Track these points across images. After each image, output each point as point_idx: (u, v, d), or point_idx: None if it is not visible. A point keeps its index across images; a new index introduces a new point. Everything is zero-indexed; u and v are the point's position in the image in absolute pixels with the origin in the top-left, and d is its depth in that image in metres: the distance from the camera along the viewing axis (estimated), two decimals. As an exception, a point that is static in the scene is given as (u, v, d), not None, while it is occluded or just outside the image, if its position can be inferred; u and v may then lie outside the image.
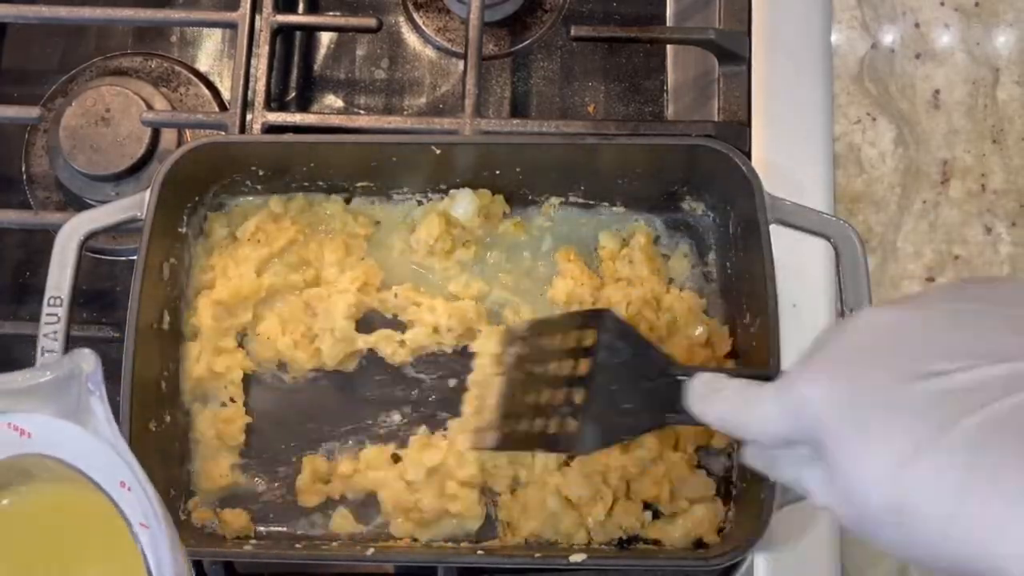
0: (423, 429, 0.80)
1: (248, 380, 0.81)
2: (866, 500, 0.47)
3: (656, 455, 0.76)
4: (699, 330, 0.79)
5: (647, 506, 0.77)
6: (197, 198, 0.81)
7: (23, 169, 0.92)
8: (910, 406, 0.46)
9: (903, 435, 0.45)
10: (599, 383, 0.64)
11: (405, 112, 0.93)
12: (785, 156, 0.81)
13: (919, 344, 0.47)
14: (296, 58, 0.95)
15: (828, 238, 0.72)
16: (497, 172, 0.80)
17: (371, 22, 0.88)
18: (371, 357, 0.82)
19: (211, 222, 0.82)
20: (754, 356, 0.75)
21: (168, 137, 0.90)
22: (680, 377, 0.60)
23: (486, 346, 0.78)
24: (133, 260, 0.75)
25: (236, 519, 0.77)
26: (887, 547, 0.49)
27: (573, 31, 0.87)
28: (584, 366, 0.66)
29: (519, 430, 0.70)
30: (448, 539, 0.77)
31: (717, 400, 0.57)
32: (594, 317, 0.68)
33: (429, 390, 0.81)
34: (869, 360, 0.48)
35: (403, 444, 0.79)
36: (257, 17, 0.87)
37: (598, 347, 0.65)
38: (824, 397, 0.49)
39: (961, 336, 0.47)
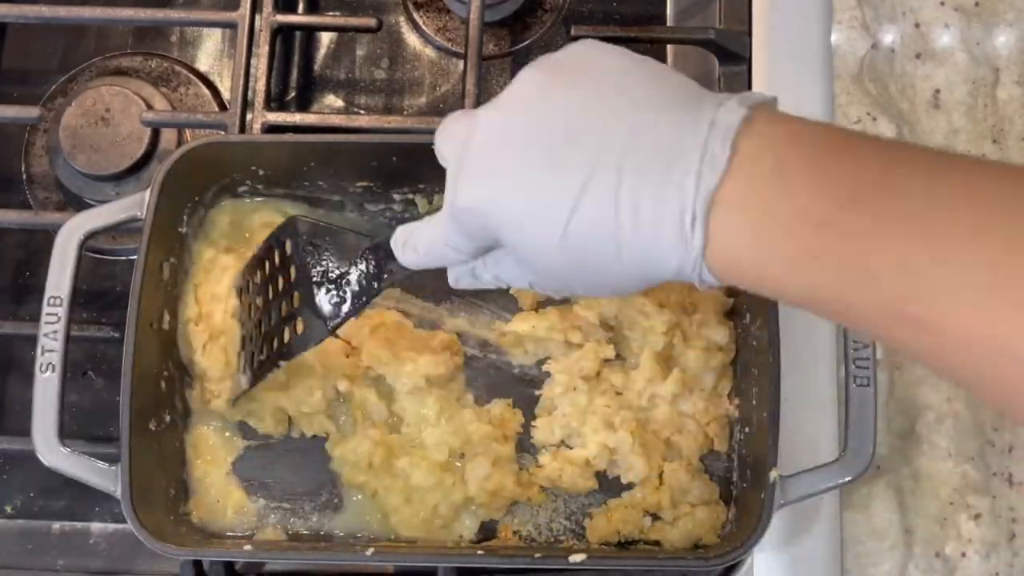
0: None
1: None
2: (552, 265, 0.54)
3: (655, 470, 0.77)
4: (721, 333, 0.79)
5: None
6: (197, 198, 0.81)
7: (23, 169, 0.92)
8: (549, 171, 0.51)
9: (554, 195, 0.51)
10: (309, 280, 0.69)
11: (405, 112, 0.93)
12: (785, 156, 0.81)
13: (536, 120, 0.53)
14: (296, 58, 0.95)
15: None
16: (497, 172, 0.80)
17: (371, 22, 0.88)
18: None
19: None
20: (754, 356, 0.75)
21: (168, 137, 0.90)
22: (377, 241, 0.66)
23: None
24: (133, 260, 0.76)
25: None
26: (585, 292, 0.65)
27: (573, 31, 0.87)
28: (292, 273, 0.71)
29: (261, 359, 0.74)
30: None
31: (412, 242, 0.62)
32: (283, 230, 0.73)
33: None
34: (503, 152, 0.54)
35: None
36: (257, 17, 0.87)
37: (299, 251, 0.70)
38: (481, 195, 0.54)
39: (561, 101, 0.53)
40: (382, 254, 0.65)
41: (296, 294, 0.71)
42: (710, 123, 0.49)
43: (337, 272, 0.69)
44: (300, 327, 0.70)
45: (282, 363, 0.73)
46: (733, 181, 0.48)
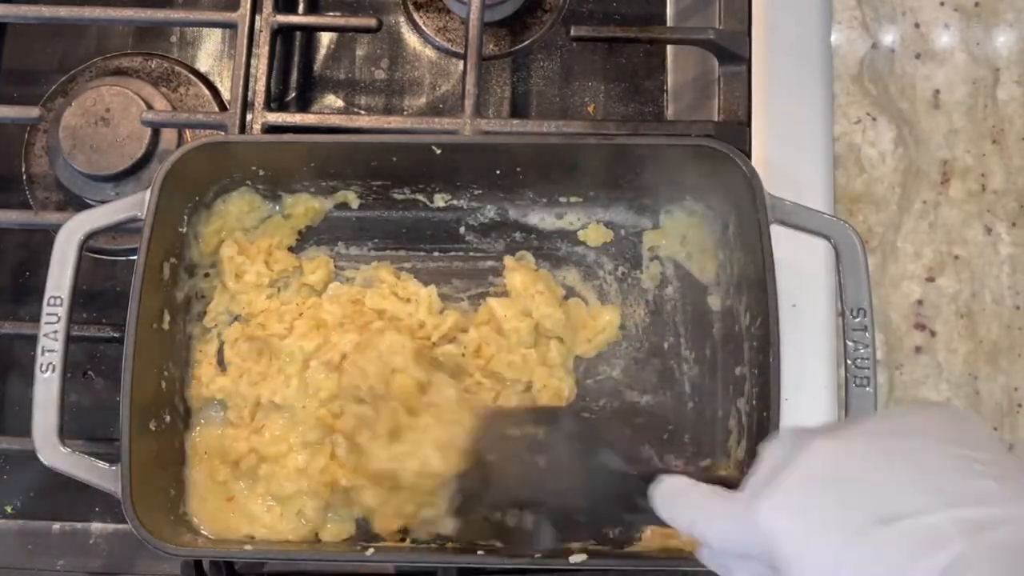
0: None
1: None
2: None
3: None
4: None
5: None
6: (197, 198, 0.81)
7: (23, 169, 0.92)
8: (867, 548, 0.49)
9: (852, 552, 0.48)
10: (553, 481, 0.66)
11: (405, 112, 0.93)
12: (785, 156, 0.81)
13: (874, 484, 0.50)
14: (296, 58, 0.95)
15: (828, 238, 0.72)
16: (497, 172, 0.80)
17: (371, 22, 0.88)
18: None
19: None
20: (755, 356, 0.75)
21: (168, 137, 0.90)
22: (636, 473, 0.62)
23: None
24: (133, 260, 0.76)
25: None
26: None
27: (573, 31, 0.87)
28: (542, 462, 0.67)
29: (476, 518, 0.72)
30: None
31: (683, 506, 0.59)
32: (551, 413, 0.70)
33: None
34: (825, 496, 0.51)
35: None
36: (257, 17, 0.87)
37: (552, 445, 0.67)
38: (783, 529, 0.52)
39: (910, 476, 0.50)
40: (637, 488, 0.61)
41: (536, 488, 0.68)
42: None
43: (582, 485, 0.65)
44: (529, 522, 0.68)
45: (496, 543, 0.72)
46: None
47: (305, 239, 0.85)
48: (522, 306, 0.81)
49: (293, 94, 0.94)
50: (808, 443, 0.54)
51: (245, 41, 0.85)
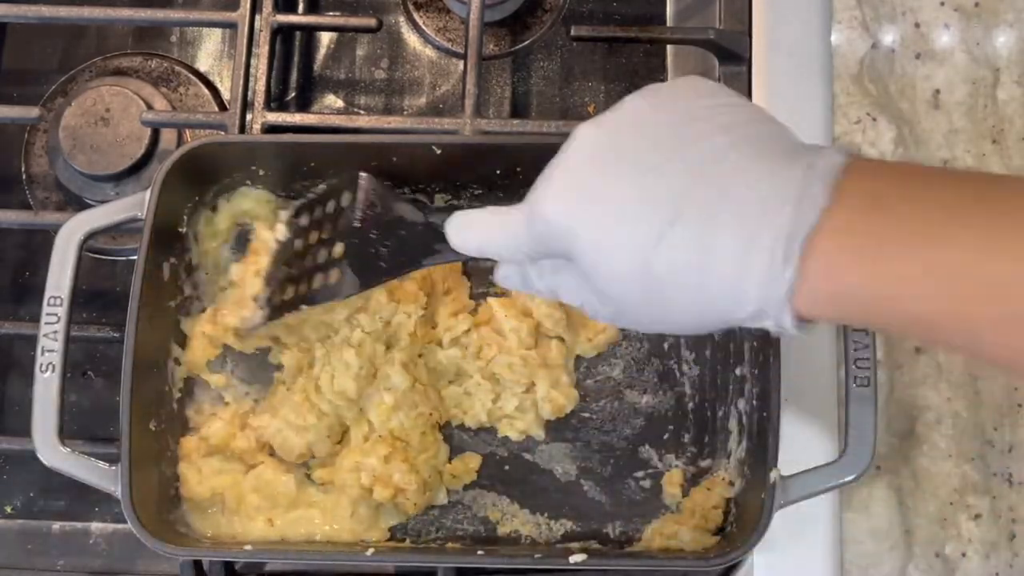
0: None
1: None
2: (623, 292, 0.54)
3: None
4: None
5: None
6: (197, 198, 0.81)
7: (23, 169, 0.92)
8: (640, 197, 0.51)
9: (643, 224, 0.51)
10: (356, 235, 0.69)
11: (405, 112, 0.93)
12: (785, 156, 0.81)
13: (633, 144, 0.53)
14: (296, 58, 0.95)
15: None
16: (497, 172, 0.80)
17: (371, 22, 0.88)
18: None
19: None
20: (755, 356, 0.75)
21: (168, 137, 0.90)
22: (435, 221, 0.65)
23: None
24: (133, 260, 0.76)
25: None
26: (644, 327, 0.61)
27: (573, 31, 0.87)
28: (341, 224, 0.71)
29: (285, 298, 0.74)
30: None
31: (474, 232, 0.62)
32: (346, 183, 0.73)
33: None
34: (596, 170, 0.54)
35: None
36: (257, 17, 0.87)
37: (352, 206, 0.70)
38: (567, 210, 0.54)
39: (663, 129, 0.53)
40: (434, 233, 0.65)
41: (339, 246, 0.71)
42: (807, 166, 0.50)
43: (386, 236, 0.69)
44: (334, 278, 0.70)
45: (304, 307, 0.73)
46: (833, 216, 0.48)
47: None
48: (522, 306, 0.81)
49: (293, 94, 0.94)
50: (571, 137, 0.56)
51: (245, 41, 0.85)
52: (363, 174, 0.72)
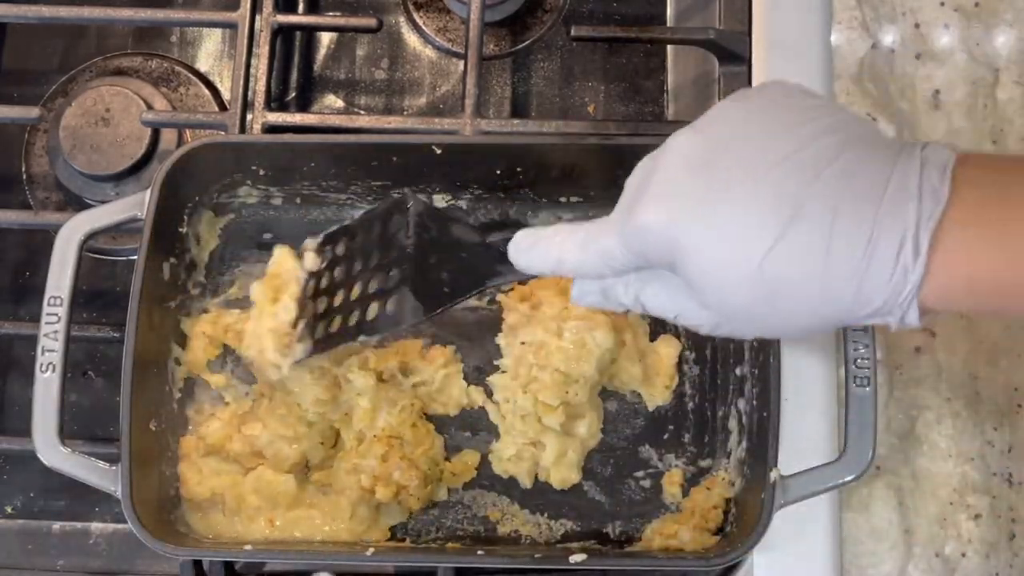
0: None
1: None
2: (731, 299, 0.52)
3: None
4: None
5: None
6: (197, 198, 0.81)
7: (23, 169, 0.92)
8: (754, 200, 0.50)
9: (758, 227, 0.50)
10: (414, 259, 0.66)
11: (405, 112, 0.93)
12: (785, 156, 0.81)
13: (738, 148, 0.52)
14: (296, 58, 0.95)
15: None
16: (497, 172, 0.80)
17: (371, 22, 0.88)
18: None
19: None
20: (755, 356, 0.75)
21: (168, 137, 0.90)
22: (495, 240, 0.63)
23: None
24: (133, 260, 0.76)
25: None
26: (749, 333, 0.57)
27: (573, 31, 0.87)
28: (393, 250, 0.68)
29: (332, 330, 0.72)
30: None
31: (545, 248, 0.59)
32: (394, 205, 0.70)
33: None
34: (698, 177, 0.52)
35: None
36: (257, 17, 0.87)
37: (405, 230, 0.68)
38: (670, 219, 0.52)
39: (767, 133, 0.52)
40: (494, 253, 0.63)
41: (394, 272, 0.68)
42: (921, 160, 0.50)
43: (445, 260, 0.66)
44: (392, 306, 0.67)
45: (362, 338, 0.70)
46: (956, 206, 0.48)
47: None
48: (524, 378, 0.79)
49: (293, 94, 0.94)
50: (665, 147, 0.54)
51: (245, 41, 0.85)
52: (413, 196, 0.70)
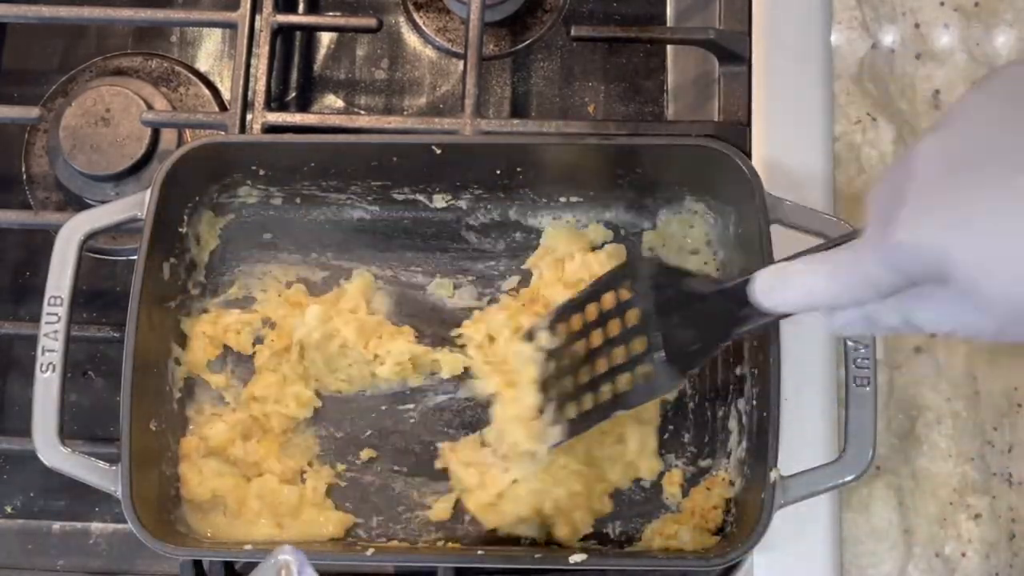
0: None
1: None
2: (1015, 303, 0.48)
3: None
4: None
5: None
6: (197, 198, 0.81)
7: (23, 169, 0.92)
8: (1019, 197, 0.46)
9: None
10: (655, 322, 0.65)
11: (405, 112, 0.93)
12: (785, 156, 0.81)
13: (995, 141, 0.48)
14: (296, 58, 0.95)
15: (828, 238, 0.72)
16: (497, 172, 0.80)
17: (371, 22, 0.88)
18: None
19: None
20: (755, 356, 0.75)
21: (168, 137, 0.90)
22: (729, 285, 0.61)
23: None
24: (133, 260, 0.76)
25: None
26: None
27: (573, 31, 0.87)
28: (633, 317, 0.67)
29: (588, 408, 0.70)
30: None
31: (794, 284, 0.56)
32: (623, 270, 0.69)
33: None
34: (955, 181, 0.48)
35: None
36: (257, 17, 0.87)
37: (639, 294, 0.66)
38: (935, 230, 0.48)
39: (1018, 131, 0.48)
40: (735, 299, 0.60)
41: (638, 339, 0.66)
42: None
43: (685, 317, 0.64)
44: (647, 374, 0.66)
45: (619, 412, 0.69)
46: None
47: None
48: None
49: (293, 94, 0.94)
50: (912, 154, 0.50)
51: (245, 41, 0.85)
52: (641, 257, 0.69)
